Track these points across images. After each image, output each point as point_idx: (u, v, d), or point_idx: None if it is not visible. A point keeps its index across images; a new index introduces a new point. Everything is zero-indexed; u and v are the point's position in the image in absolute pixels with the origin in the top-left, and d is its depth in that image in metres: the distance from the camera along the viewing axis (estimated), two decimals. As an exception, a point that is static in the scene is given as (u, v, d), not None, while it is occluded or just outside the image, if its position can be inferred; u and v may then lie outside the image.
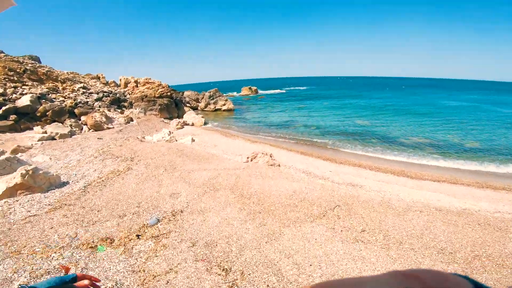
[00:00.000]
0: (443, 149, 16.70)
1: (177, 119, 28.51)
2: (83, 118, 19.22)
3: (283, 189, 7.33)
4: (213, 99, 36.50)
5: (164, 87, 31.85)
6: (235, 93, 62.63)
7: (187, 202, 6.80)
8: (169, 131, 19.53)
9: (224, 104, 36.22)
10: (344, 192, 7.90)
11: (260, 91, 65.60)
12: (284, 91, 71.21)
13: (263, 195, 6.95)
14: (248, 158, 11.48)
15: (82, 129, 18.78)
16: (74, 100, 22.29)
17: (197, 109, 37.69)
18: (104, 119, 18.85)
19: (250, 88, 60.66)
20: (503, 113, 31.53)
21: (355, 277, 0.33)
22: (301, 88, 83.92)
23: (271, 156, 11.55)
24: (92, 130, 18.48)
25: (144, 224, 5.81)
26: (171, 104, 31.05)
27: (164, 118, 28.72)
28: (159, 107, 29.02)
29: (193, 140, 16.84)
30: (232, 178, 8.07)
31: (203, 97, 39.25)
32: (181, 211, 6.34)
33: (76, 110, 19.66)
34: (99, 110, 22.02)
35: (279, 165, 11.48)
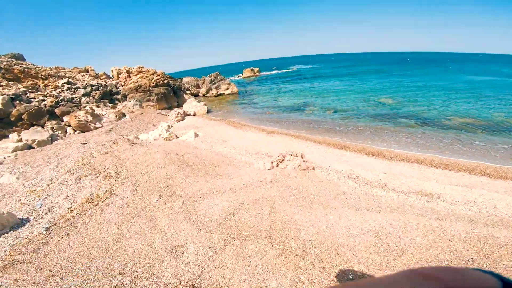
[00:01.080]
0: (497, 130, 13.53)
1: (177, 109, 25.48)
2: (66, 118, 16.34)
3: (353, 229, 4.48)
4: (214, 83, 33.11)
5: (159, 75, 28.55)
6: (236, 76, 58.68)
7: (200, 265, 4.04)
8: (168, 125, 16.62)
9: (227, 88, 32.87)
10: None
11: (262, 73, 61.47)
12: (288, 70, 66.75)
13: (325, 247, 4.12)
14: (272, 162, 8.59)
15: (66, 131, 15.99)
16: (56, 98, 19.32)
17: (198, 95, 34.46)
18: (90, 118, 15.97)
19: (252, 70, 56.56)
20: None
21: (369, 279, 0.29)
22: (307, 67, 78.87)
23: (302, 157, 8.64)
24: (78, 131, 15.67)
25: None
26: (169, 93, 27.89)
27: (163, 109, 25.75)
28: (155, 97, 25.94)
29: (196, 136, 13.94)
30: (264, 211, 5.22)
31: (203, 82, 35.83)
32: (192, 289, 3.60)
33: (56, 110, 16.75)
34: (85, 107, 19.07)
35: (313, 169, 8.60)
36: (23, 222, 6.60)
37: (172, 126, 17.18)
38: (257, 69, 58.39)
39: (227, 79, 35.02)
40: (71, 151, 11.56)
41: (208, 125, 16.73)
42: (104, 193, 6.99)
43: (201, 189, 6.53)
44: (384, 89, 29.20)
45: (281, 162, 8.64)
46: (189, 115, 20.38)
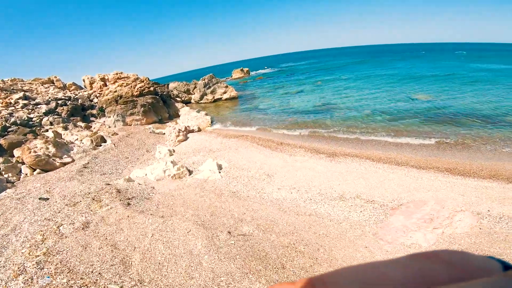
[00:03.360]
0: None
1: (171, 123, 20.54)
2: (17, 153, 11.10)
3: None
4: (209, 87, 28.27)
5: (143, 81, 23.37)
6: (225, 79, 53.84)
7: None
8: (169, 150, 11.82)
9: (225, 92, 28.15)
10: None
11: (253, 72, 56.97)
12: (279, 69, 62.50)
13: None
14: (435, 229, 4.22)
15: (20, 172, 10.80)
16: (6, 121, 13.89)
17: (190, 102, 29.48)
18: (52, 150, 10.85)
19: (242, 70, 51.82)
20: None
21: (371, 262, 0.31)
22: (300, 63, 75.04)
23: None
24: (38, 170, 10.51)
25: None
26: (158, 102, 22.85)
27: (152, 123, 20.72)
28: (142, 109, 20.83)
29: (219, 168, 9.30)
30: None
31: (195, 87, 30.83)
32: None
33: (2, 141, 11.44)
34: (46, 131, 13.74)
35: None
36: None
37: (174, 151, 12.37)
38: (247, 69, 53.75)
39: (223, 81, 30.25)
40: (24, 218, 6.59)
41: (226, 146, 12.06)
42: None
43: None
44: (405, 82, 25.80)
45: (448, 225, 4.29)
46: (192, 131, 15.55)
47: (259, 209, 6.11)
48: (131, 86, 22.22)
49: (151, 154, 12.35)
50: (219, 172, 9.03)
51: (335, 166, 8.49)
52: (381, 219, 5.50)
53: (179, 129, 14.23)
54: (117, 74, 23.22)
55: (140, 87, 22.37)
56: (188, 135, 14.82)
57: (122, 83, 22.15)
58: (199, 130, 15.99)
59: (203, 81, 28.18)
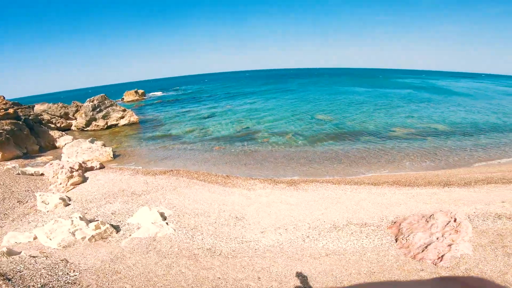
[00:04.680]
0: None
1: (45, 157, 15.02)
2: None
3: None
4: (100, 110, 22.92)
5: (-5, 100, 16.35)
6: (115, 101, 46.09)
7: None
8: (62, 199, 8.15)
9: (123, 117, 23.55)
10: None
11: (148, 95, 51.40)
12: (176, 92, 59.40)
13: None
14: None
15: None
16: None
17: (69, 129, 22.92)
18: None
19: (136, 92, 45.61)
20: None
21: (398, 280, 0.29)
22: (193, 86, 73.88)
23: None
24: None
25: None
26: (21, 129, 16.48)
27: (12, 159, 14.54)
28: (-6, 140, 14.35)
29: (163, 218, 6.85)
30: None
31: (77, 110, 24.39)
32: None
33: None
34: None
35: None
36: None
37: (69, 199, 8.59)
38: (142, 91, 48.10)
39: (118, 104, 25.39)
40: None
41: (156, 186, 9.37)
42: None
43: None
44: (302, 104, 30.09)
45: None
46: (92, 168, 11.43)
47: (268, 265, 4.59)
48: (-28, 107, 15.01)
49: (28, 206, 8.03)
50: (167, 224, 6.61)
51: (303, 195, 7.97)
52: (391, 240, 5.36)
53: (70, 167, 10.11)
54: None
55: (-11, 108, 15.46)
56: (86, 174, 10.81)
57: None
58: (102, 167, 12.01)
59: (91, 103, 22.64)
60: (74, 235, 5.85)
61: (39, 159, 14.74)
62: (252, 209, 7.29)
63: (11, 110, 16.41)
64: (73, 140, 17.86)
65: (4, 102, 16.73)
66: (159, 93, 56.25)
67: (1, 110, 15.90)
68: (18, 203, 8.14)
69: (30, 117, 18.69)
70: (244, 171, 11.86)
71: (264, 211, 7.16)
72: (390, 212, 6.76)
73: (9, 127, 15.45)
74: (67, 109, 24.27)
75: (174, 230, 6.33)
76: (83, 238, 5.88)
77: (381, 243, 5.48)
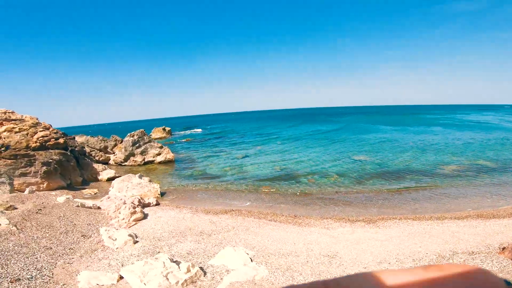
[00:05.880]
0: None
1: (89, 189, 14.65)
2: None
3: None
4: (139, 146, 23.11)
5: (48, 129, 16.73)
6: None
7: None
8: (131, 236, 7.30)
9: (159, 154, 23.54)
10: None
11: (175, 133, 52.94)
12: (204, 131, 61.04)
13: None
14: None
15: None
16: None
17: (107, 163, 22.90)
18: None
19: (164, 129, 47.27)
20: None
21: (388, 269, 0.31)
22: (221, 125, 76.42)
23: None
24: None
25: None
26: (69, 161, 16.44)
27: (57, 189, 14.21)
28: (43, 168, 14.25)
29: (253, 264, 5.85)
30: None
31: (115, 144, 24.79)
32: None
33: None
34: None
35: None
36: None
37: (136, 236, 7.75)
38: (169, 128, 49.67)
39: (155, 141, 25.73)
40: None
41: (225, 226, 8.48)
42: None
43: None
44: (332, 144, 29.57)
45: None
46: (149, 204, 10.75)
47: None
48: (28, 134, 15.31)
49: (94, 241, 7.21)
50: (257, 265, 5.61)
51: (388, 231, 7.92)
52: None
53: (132, 202, 9.46)
54: (5, 113, 15.72)
55: (42, 136, 15.72)
56: (145, 210, 10.08)
57: (12, 128, 14.99)
58: (158, 203, 11.30)
59: (132, 138, 22.98)
60: (168, 279, 4.91)
61: (84, 192, 14.30)
62: (341, 246, 6.60)
63: (61, 140, 16.62)
64: (115, 174, 17.62)
65: (55, 131, 17.07)
66: (187, 131, 57.93)
67: (51, 140, 16.10)
68: (82, 237, 7.35)
69: (75, 148, 18.88)
70: (307, 210, 10.88)
71: (355, 248, 6.57)
72: (492, 240, 6.85)
73: (57, 157, 15.46)
74: (107, 142, 24.73)
75: (269, 272, 5.30)
76: (176, 283, 4.92)
77: (503, 266, 5.49)
